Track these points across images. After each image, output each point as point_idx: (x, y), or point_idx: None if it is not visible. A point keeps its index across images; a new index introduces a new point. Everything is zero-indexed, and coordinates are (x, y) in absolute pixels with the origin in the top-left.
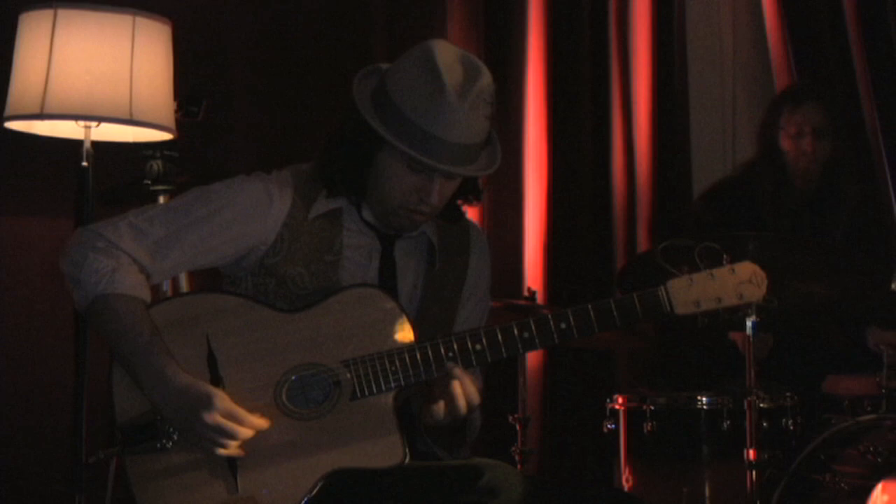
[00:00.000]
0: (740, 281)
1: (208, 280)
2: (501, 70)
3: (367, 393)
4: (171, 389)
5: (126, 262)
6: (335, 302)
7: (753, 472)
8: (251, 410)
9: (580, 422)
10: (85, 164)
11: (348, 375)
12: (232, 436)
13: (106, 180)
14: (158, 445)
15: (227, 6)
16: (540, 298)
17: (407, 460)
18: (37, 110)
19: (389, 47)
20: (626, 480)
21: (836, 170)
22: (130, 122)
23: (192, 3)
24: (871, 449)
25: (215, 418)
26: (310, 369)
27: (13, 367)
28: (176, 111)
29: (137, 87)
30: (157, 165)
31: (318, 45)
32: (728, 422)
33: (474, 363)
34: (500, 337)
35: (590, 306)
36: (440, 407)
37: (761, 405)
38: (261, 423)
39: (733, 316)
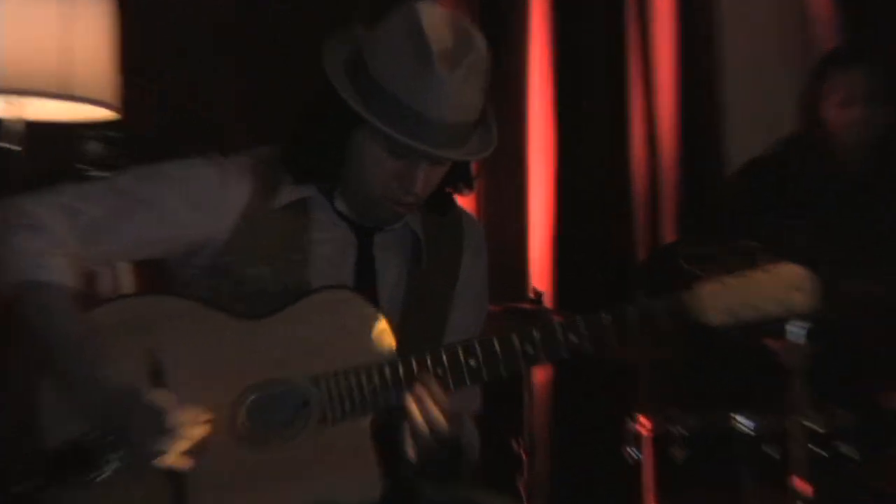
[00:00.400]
0: (784, 286)
1: (156, 280)
2: (499, 36)
3: (340, 416)
4: (102, 394)
5: (55, 244)
6: (303, 307)
7: None
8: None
9: (597, 448)
10: (11, 146)
11: (318, 395)
12: (171, 432)
13: (38, 165)
14: (93, 475)
15: None
16: (548, 301)
17: (388, 496)
18: None
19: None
20: None
21: (891, 143)
22: (65, 96)
23: None
24: None
25: (150, 412)
26: (273, 387)
27: None
28: (124, 85)
29: (74, 57)
30: (95, 147)
31: (294, 9)
32: (772, 446)
33: (468, 381)
34: (497, 349)
35: (606, 315)
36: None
37: (811, 426)
38: (204, 428)
39: (771, 327)
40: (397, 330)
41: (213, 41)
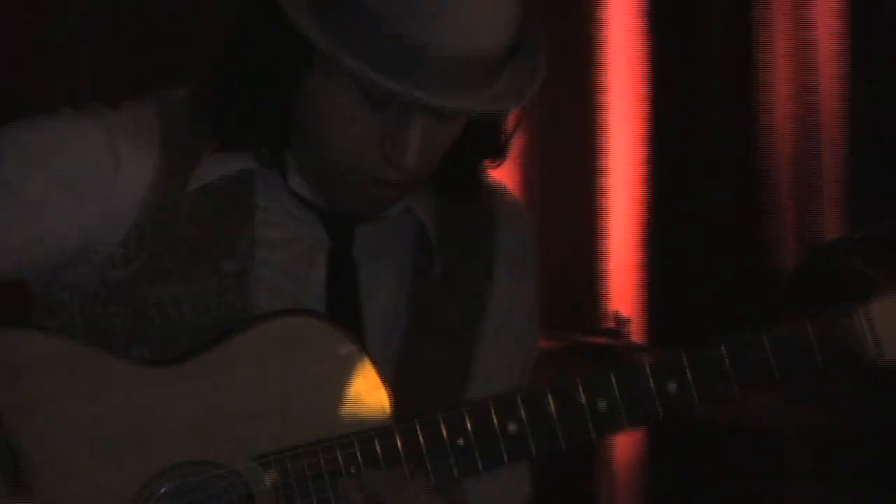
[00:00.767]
0: None
1: (7, 307)
2: None
3: None
4: None
5: None
6: (242, 346)
7: None
8: None
9: None
10: None
11: (267, 483)
12: None
13: None
14: None
15: None
16: (634, 333)
17: None
18: None
19: None
20: None
21: None
22: None
23: None
24: None
25: None
26: (194, 473)
27: None
28: None
29: None
30: None
31: None
32: None
33: (505, 457)
34: (552, 408)
35: (723, 347)
36: None
37: None
38: None
39: None
40: (394, 378)
41: None
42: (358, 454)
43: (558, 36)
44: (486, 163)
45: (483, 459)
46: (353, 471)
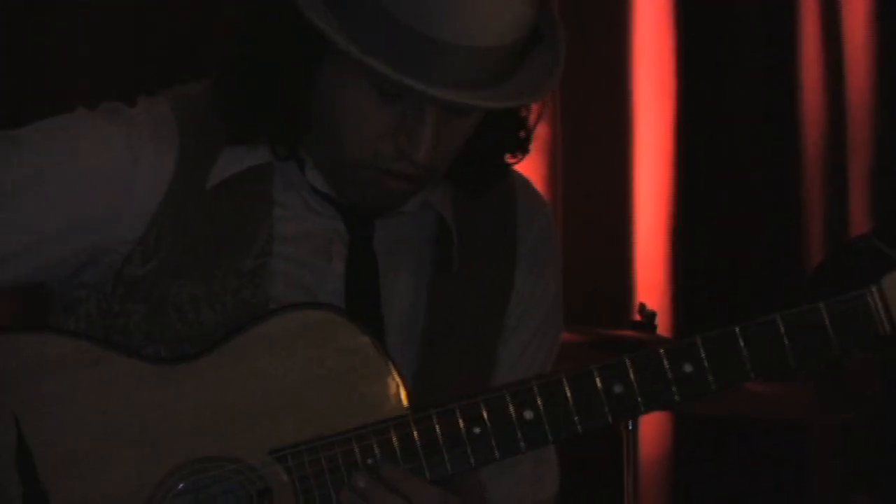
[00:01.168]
0: None
1: (23, 305)
2: None
3: None
4: None
5: None
6: (257, 340)
7: None
8: None
9: None
10: None
11: (284, 478)
12: None
13: None
14: None
15: None
16: (663, 326)
17: None
18: None
19: None
20: None
21: None
22: None
23: None
24: None
25: None
26: (211, 469)
27: None
28: None
29: None
30: None
31: None
32: None
33: (522, 445)
34: (568, 393)
35: (737, 330)
36: None
37: None
38: None
39: None
40: (416, 372)
41: None
42: (375, 446)
43: (587, 27)
44: (508, 156)
45: (500, 447)
46: (369, 463)
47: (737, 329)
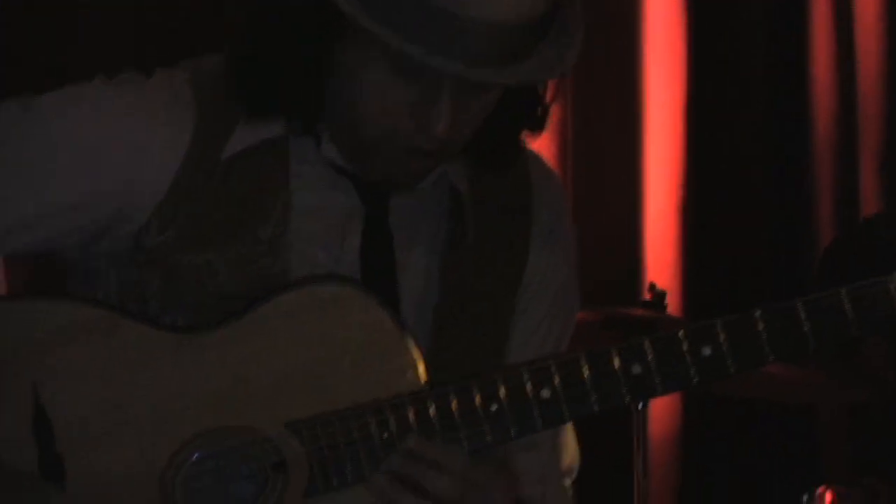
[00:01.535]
0: None
1: (37, 274)
2: None
3: (335, 484)
4: None
5: None
6: (275, 312)
7: None
8: None
9: None
10: None
11: (299, 451)
12: None
13: None
14: None
15: None
16: (672, 305)
17: None
18: None
19: None
20: None
21: None
22: None
23: None
24: None
25: None
26: (227, 440)
27: None
28: None
29: None
30: None
31: None
32: None
33: (538, 424)
34: (586, 372)
35: (757, 312)
36: None
37: None
38: None
39: None
40: (430, 347)
41: None
42: (391, 421)
43: (598, 9)
44: (524, 132)
45: (516, 425)
46: (385, 437)
47: (756, 313)
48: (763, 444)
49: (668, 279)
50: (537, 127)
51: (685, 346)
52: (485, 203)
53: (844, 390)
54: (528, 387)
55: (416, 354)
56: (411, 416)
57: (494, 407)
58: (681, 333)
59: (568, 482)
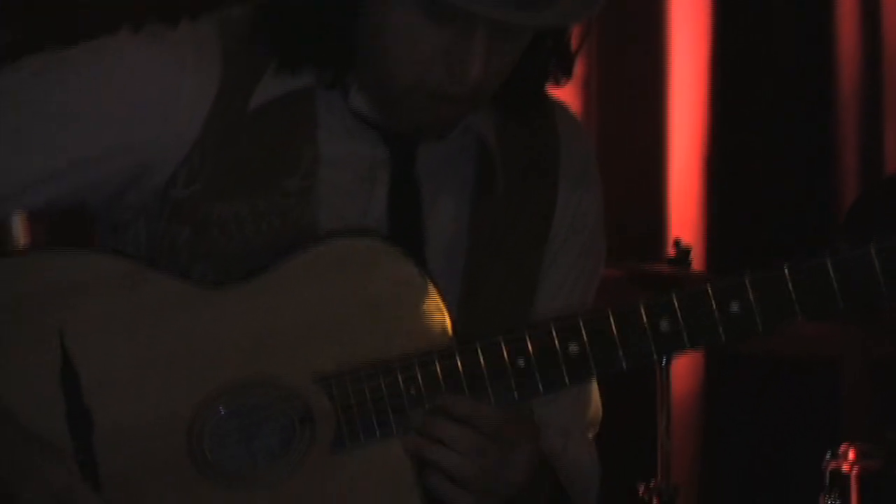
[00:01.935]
0: None
1: (65, 226)
2: None
3: (362, 439)
4: None
5: None
6: (302, 266)
7: None
8: (143, 476)
9: (774, 497)
10: None
11: (327, 405)
12: None
13: None
14: None
15: None
16: (697, 261)
17: None
18: None
19: None
20: None
21: None
22: None
23: None
24: None
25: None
26: (255, 392)
27: None
28: None
29: None
30: None
31: None
32: None
33: (567, 380)
34: (613, 327)
35: (786, 269)
36: None
37: None
38: None
39: None
40: (458, 299)
41: None
42: (418, 376)
43: None
44: (551, 79)
45: (544, 381)
46: (413, 393)
47: (786, 270)
48: (785, 401)
49: (692, 235)
50: (565, 72)
51: (713, 304)
52: (512, 153)
53: (868, 346)
54: (556, 343)
55: (444, 309)
56: (439, 371)
57: (522, 363)
58: (709, 289)
59: (590, 435)
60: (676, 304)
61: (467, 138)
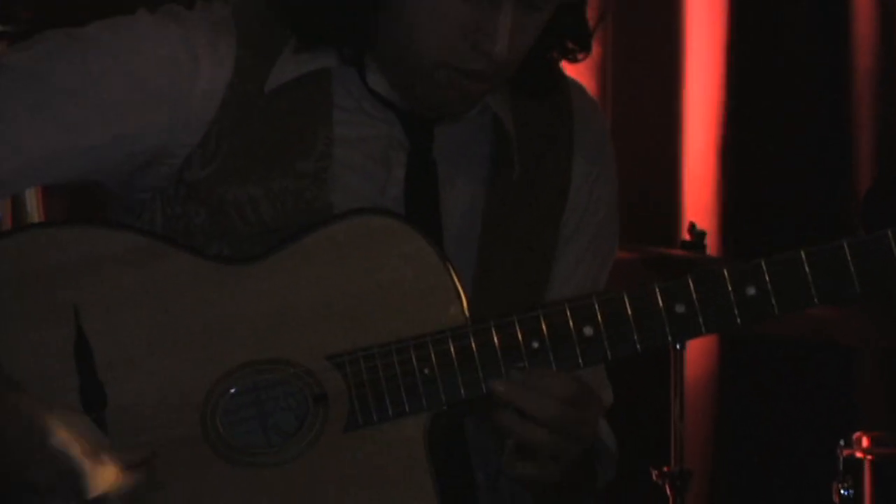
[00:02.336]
0: None
1: (81, 202)
2: None
3: (375, 418)
4: None
5: None
6: (317, 244)
7: None
8: (156, 453)
9: (786, 483)
10: None
11: (341, 384)
12: (81, 477)
13: None
14: None
15: None
16: (711, 245)
17: None
18: None
19: None
20: None
21: None
22: None
23: None
24: None
25: (59, 469)
26: (269, 371)
27: None
28: None
29: None
30: None
31: None
32: None
33: (581, 361)
34: (629, 310)
35: (802, 253)
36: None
37: None
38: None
39: None
40: (473, 278)
41: None
42: (432, 355)
43: None
44: (569, 57)
45: (558, 363)
46: (426, 372)
47: (802, 253)
48: (799, 387)
49: (707, 219)
50: (584, 47)
51: (729, 287)
52: (528, 133)
53: (883, 333)
54: (571, 324)
55: (459, 289)
56: (453, 350)
57: (536, 344)
58: (725, 272)
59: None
60: (692, 286)
61: (484, 118)
